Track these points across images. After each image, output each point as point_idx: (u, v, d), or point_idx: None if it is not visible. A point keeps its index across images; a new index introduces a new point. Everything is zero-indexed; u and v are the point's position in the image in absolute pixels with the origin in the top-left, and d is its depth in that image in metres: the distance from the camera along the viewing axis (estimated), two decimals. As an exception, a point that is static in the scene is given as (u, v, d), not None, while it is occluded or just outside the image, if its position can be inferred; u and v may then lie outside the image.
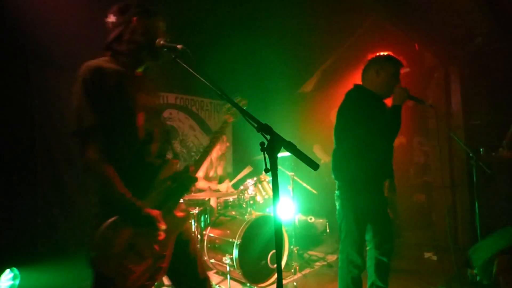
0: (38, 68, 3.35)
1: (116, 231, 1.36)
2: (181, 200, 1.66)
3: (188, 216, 1.66)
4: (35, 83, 3.31)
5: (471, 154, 3.45)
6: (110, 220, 1.36)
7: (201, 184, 4.18)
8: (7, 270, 2.69)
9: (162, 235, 1.45)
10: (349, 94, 2.44)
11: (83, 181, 3.41)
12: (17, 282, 2.72)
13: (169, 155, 1.70)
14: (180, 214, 1.59)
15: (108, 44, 1.58)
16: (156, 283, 1.72)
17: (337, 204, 2.46)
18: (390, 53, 2.46)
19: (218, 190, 4.24)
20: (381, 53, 2.47)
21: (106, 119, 1.42)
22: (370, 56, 2.49)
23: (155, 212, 1.45)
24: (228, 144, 4.42)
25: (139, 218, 1.41)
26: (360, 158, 2.32)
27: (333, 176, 2.47)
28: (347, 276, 2.34)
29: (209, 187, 4.17)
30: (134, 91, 1.53)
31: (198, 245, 3.35)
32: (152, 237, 1.43)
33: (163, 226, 1.44)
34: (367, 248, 2.53)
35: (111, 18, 1.61)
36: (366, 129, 2.27)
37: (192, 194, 3.99)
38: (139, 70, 1.63)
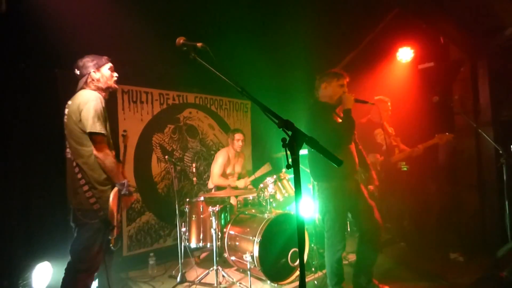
0: (65, 73, 3.41)
1: (119, 195, 2.38)
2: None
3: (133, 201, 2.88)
4: (61, 88, 3.38)
5: (500, 152, 3.31)
6: (115, 190, 2.33)
7: (219, 181, 4.20)
8: (41, 264, 2.83)
9: (131, 200, 2.56)
10: (310, 108, 2.93)
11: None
12: (50, 275, 2.85)
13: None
14: (132, 198, 2.57)
15: (84, 85, 2.36)
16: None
17: (318, 202, 2.91)
18: (333, 70, 2.95)
19: (236, 186, 4.24)
20: (326, 71, 2.93)
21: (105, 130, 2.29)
22: (316, 76, 2.96)
23: (132, 189, 2.71)
24: (241, 142, 4.35)
25: (128, 191, 2.39)
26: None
27: (312, 179, 2.88)
28: (333, 257, 2.79)
29: (229, 184, 4.18)
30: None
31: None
32: (129, 201, 2.52)
33: (134, 196, 2.80)
34: (357, 235, 2.96)
35: (76, 72, 2.36)
36: (328, 134, 2.64)
37: (212, 192, 4.02)
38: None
